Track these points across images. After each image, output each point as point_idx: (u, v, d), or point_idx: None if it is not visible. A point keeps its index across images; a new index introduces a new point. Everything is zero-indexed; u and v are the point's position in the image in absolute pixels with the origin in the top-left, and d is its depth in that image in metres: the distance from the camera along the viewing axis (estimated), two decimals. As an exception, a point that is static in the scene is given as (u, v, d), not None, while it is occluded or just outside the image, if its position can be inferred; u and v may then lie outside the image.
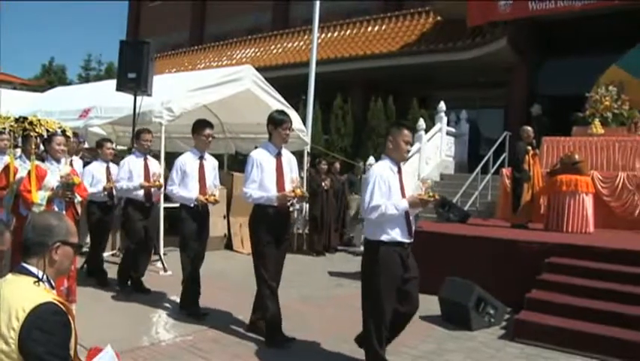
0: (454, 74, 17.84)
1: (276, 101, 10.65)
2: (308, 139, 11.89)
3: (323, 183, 11.49)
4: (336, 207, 12.09)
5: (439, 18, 19.19)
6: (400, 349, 5.28)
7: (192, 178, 6.24)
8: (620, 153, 11.26)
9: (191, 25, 30.84)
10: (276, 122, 5.37)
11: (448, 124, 15.59)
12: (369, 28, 20.98)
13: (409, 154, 5.26)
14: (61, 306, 2.13)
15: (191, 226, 6.16)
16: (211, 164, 6.50)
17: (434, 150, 14.90)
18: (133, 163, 7.26)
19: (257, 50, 24.19)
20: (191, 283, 6.20)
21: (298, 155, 13.28)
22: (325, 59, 18.92)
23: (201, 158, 6.38)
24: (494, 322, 6.45)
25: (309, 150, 12.23)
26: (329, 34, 21.73)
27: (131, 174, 7.16)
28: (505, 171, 11.40)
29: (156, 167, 7.48)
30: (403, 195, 4.43)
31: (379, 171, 4.42)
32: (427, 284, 7.22)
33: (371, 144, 16.00)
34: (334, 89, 17.74)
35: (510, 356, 5.38)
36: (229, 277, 8.50)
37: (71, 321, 2.16)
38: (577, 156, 9.76)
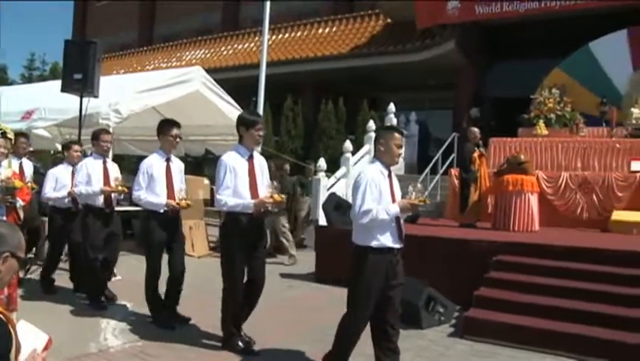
0: (403, 76, 18.05)
1: (225, 103, 10.58)
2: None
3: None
4: (287, 209, 12.05)
5: (389, 20, 19.41)
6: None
7: (160, 182, 5.77)
8: (563, 154, 11.62)
9: (139, 26, 30.38)
10: (248, 123, 5.06)
11: (398, 125, 15.75)
12: (320, 30, 21.06)
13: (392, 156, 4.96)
14: (0, 316, 2.06)
15: (161, 234, 5.69)
16: (177, 166, 6.03)
17: (383, 152, 15.04)
18: (91, 166, 6.70)
19: (207, 52, 24.00)
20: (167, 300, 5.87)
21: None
22: (276, 61, 18.89)
23: (168, 160, 5.91)
24: (444, 320, 6.53)
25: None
26: (279, 36, 21.72)
27: (90, 178, 6.60)
28: (454, 171, 11.60)
29: (116, 170, 6.96)
30: (393, 200, 4.34)
31: (371, 175, 4.28)
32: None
33: (322, 145, 16.06)
34: (285, 91, 17.72)
35: (460, 353, 5.46)
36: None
37: (12, 331, 2.09)
38: (522, 157, 10.00)
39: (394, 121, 15.33)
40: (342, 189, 12.67)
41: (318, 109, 17.35)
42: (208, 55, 23.58)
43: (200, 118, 11.01)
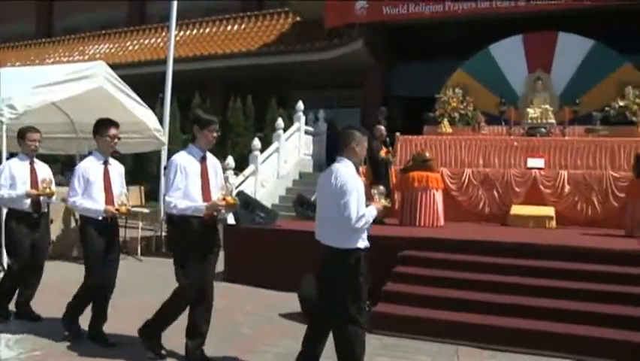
0: (312, 74, 18.16)
1: (130, 100, 10.25)
2: (165, 139, 11.56)
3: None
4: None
5: (298, 18, 19.48)
6: (260, 347, 5.28)
7: (97, 187, 5.32)
8: (466, 151, 12.08)
9: (37, 16, 28.76)
10: (203, 122, 4.81)
11: (307, 123, 15.84)
12: (229, 27, 20.86)
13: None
14: None
15: (99, 242, 5.26)
16: (117, 169, 5.59)
17: (293, 148, 15.07)
18: (16, 167, 6.10)
19: (111, 46, 23.21)
20: (98, 312, 5.37)
21: (156, 155, 12.99)
22: (183, 57, 18.54)
23: (105, 163, 5.47)
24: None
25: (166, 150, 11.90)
26: (187, 32, 21.33)
27: (14, 180, 6.00)
28: (362, 169, 11.78)
29: (45, 172, 6.35)
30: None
31: (356, 178, 4.21)
32: (287, 281, 7.37)
33: (230, 143, 15.87)
34: (193, 88, 17.42)
35: (370, 347, 5.49)
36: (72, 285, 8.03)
37: None
38: (427, 154, 10.32)
39: (303, 119, 15.42)
40: (251, 188, 12.60)
41: (227, 106, 17.15)
42: (113, 50, 22.80)
43: (105, 115, 10.56)
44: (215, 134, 4.87)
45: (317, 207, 4.50)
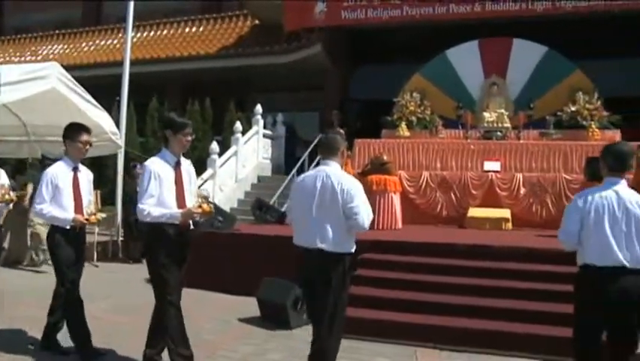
0: (271, 78, 18.13)
1: (85, 102, 10.03)
2: (122, 142, 11.39)
3: (137, 188, 11.08)
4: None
5: (257, 22, 19.43)
6: (219, 352, 5.25)
7: (66, 194, 5.10)
8: (423, 154, 12.20)
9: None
10: (177, 126, 4.63)
11: (265, 127, 15.81)
12: (187, 29, 20.68)
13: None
14: None
15: (67, 251, 5.05)
16: (86, 176, 5.38)
17: (251, 152, 15.03)
18: None
19: (65, 47, 22.72)
20: (74, 321, 5.11)
21: (112, 159, 12.78)
22: (141, 59, 18.28)
23: (75, 169, 5.24)
24: (312, 319, 6.62)
25: (123, 154, 11.73)
26: (145, 34, 21.07)
27: None
28: (311, 172, 11.82)
29: (3, 178, 6.15)
30: None
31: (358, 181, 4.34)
32: (246, 286, 7.34)
33: (188, 146, 15.73)
34: (150, 91, 17.20)
35: (327, 351, 5.56)
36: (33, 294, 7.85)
37: None
38: (385, 157, 10.42)
39: (261, 123, 15.38)
40: (209, 191, 12.50)
41: (185, 110, 16.96)
42: (67, 50, 22.33)
43: (59, 118, 10.30)
44: (189, 139, 4.72)
45: (299, 212, 4.30)
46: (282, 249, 7.86)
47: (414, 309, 6.24)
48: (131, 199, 10.78)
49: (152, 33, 21.08)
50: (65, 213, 5.06)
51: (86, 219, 5.13)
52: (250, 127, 15.25)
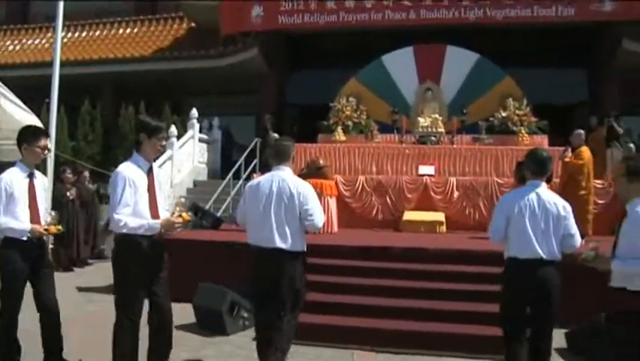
0: (207, 81, 17.93)
1: (11, 103, 9.64)
2: (52, 146, 10.99)
3: (68, 193, 10.76)
4: (85, 218, 11.42)
5: (193, 24, 19.17)
6: None
7: (21, 203, 4.69)
8: (359, 159, 12.33)
9: None
10: (151, 129, 4.35)
11: (201, 131, 15.62)
12: (121, 31, 20.16)
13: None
14: None
15: (22, 266, 4.64)
16: (42, 184, 4.97)
17: (187, 156, 14.81)
18: None
19: (-11, 46, 21.80)
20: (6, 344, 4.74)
21: (42, 164, 12.29)
22: (72, 61, 17.75)
23: (31, 176, 4.82)
24: (248, 324, 6.56)
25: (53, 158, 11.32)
26: (76, 34, 20.41)
27: None
28: (256, 176, 11.76)
29: None
30: None
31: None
32: (182, 292, 7.18)
33: (121, 151, 15.32)
34: (82, 93, 16.72)
35: (265, 356, 5.53)
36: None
37: None
38: (321, 161, 10.46)
39: (197, 127, 15.19)
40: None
41: (118, 113, 16.59)
42: (-10, 49, 21.44)
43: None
44: (163, 143, 4.52)
45: (255, 214, 4.54)
46: (217, 255, 7.82)
47: (350, 312, 6.28)
48: (61, 205, 10.46)
49: (83, 34, 20.45)
50: (22, 223, 4.67)
51: (45, 230, 4.76)
52: (186, 131, 15.03)
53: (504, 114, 13.06)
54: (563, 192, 9.10)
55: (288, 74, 18.09)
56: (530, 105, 13.30)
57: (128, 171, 4.28)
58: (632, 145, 11.06)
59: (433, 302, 6.38)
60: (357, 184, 11.47)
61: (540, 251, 4.25)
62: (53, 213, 4.95)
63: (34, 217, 4.76)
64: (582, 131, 10.67)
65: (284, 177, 4.54)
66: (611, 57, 15.12)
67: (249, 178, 12.71)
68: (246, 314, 6.58)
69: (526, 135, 12.66)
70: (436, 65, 14.24)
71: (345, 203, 11.17)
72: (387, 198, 11.38)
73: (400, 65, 14.33)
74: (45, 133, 5.04)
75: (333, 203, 10.08)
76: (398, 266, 7.05)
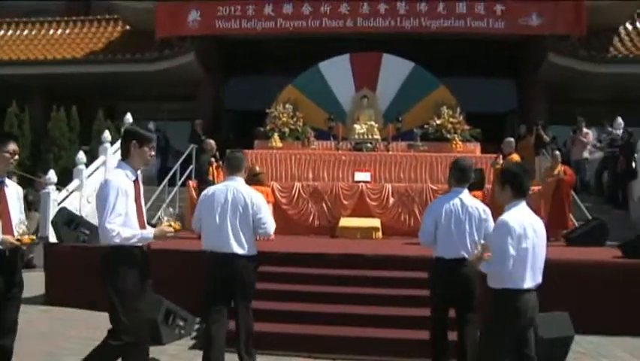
0: (142, 86, 17.62)
1: None
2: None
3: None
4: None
5: (127, 27, 18.77)
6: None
7: None
8: (296, 165, 12.34)
9: None
10: (144, 139, 4.23)
11: (133, 137, 15.30)
12: (51, 31, 19.52)
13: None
14: None
15: None
16: (15, 192, 4.63)
17: (121, 162, 14.49)
18: None
19: None
20: None
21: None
22: (-1, 60, 17.14)
23: (2, 184, 4.51)
24: (184, 333, 6.50)
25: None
26: (2, 33, 19.64)
27: None
28: (192, 183, 11.64)
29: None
30: None
31: None
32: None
33: (52, 156, 14.87)
34: (9, 95, 16.15)
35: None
36: None
37: None
38: (258, 168, 10.43)
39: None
40: (75, 204, 11.88)
41: (49, 116, 16.06)
42: None
43: None
44: (153, 153, 4.35)
45: (210, 221, 4.90)
46: (153, 262, 7.67)
47: (286, 319, 6.28)
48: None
49: (9, 32, 19.65)
50: None
51: (18, 240, 4.38)
52: (120, 136, 14.67)
53: (438, 122, 13.35)
54: (495, 197, 9.43)
55: (225, 80, 18.00)
56: (464, 113, 13.66)
57: (120, 180, 4.14)
58: (557, 152, 11.49)
59: (369, 308, 6.46)
60: (294, 191, 11.48)
61: (463, 252, 4.74)
62: (26, 222, 4.62)
63: (6, 228, 4.41)
64: (512, 140, 11.07)
65: (238, 187, 4.96)
66: (537, 69, 15.77)
67: (184, 185, 12.55)
68: (181, 323, 6.49)
69: (460, 143, 12.98)
70: (372, 73, 14.43)
71: (281, 210, 11.16)
72: (324, 205, 11.42)
73: (337, 72, 14.45)
74: (13, 137, 4.72)
75: (269, 210, 10.04)
76: (334, 273, 7.11)
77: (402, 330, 6.05)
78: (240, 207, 4.85)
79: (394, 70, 14.34)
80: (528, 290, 3.76)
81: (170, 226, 4.26)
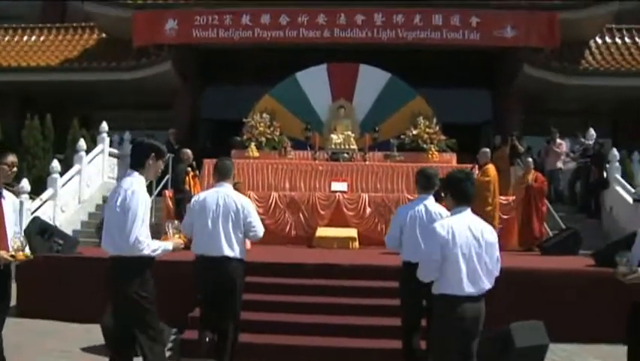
0: (118, 94, 17.50)
1: None
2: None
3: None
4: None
5: (103, 35, 18.63)
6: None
7: None
8: (272, 175, 12.35)
9: None
10: (162, 153, 4.32)
11: (111, 145, 15.16)
12: (25, 38, 19.26)
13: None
14: None
15: None
16: (11, 204, 4.47)
17: (96, 171, 14.31)
18: None
19: None
20: None
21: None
22: (-31, 67, 16.88)
23: None
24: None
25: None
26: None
27: None
28: (168, 192, 11.58)
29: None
30: None
31: None
32: (89, 312, 6.95)
33: (26, 165, 14.64)
34: (-19, 102, 15.92)
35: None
36: None
37: None
38: (235, 178, 10.36)
39: (107, 141, 14.75)
40: (49, 213, 11.74)
41: (22, 124, 15.84)
42: None
43: None
44: (162, 166, 4.44)
45: (201, 225, 5.10)
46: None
47: (263, 329, 6.27)
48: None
49: (-20, 38, 19.39)
50: None
51: (12, 256, 4.17)
52: (95, 145, 14.54)
53: (415, 132, 13.46)
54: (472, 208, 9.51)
55: (202, 89, 17.96)
56: (440, 124, 13.80)
57: (145, 191, 4.18)
58: (530, 159, 11.65)
59: (346, 318, 6.47)
60: (271, 200, 11.48)
61: None
62: (22, 237, 4.44)
63: (1, 242, 4.23)
64: (488, 150, 11.20)
65: (227, 193, 5.20)
66: (512, 80, 15.99)
67: (160, 194, 12.46)
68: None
69: (436, 153, 13.11)
70: (349, 83, 14.53)
71: (258, 220, 11.13)
72: (301, 215, 11.44)
73: (314, 82, 14.52)
74: (10, 148, 4.60)
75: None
76: (311, 282, 7.11)
77: (378, 340, 6.07)
78: (232, 212, 5.07)
79: (371, 80, 14.45)
80: (468, 297, 3.75)
81: (180, 238, 4.38)
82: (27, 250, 4.38)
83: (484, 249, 3.83)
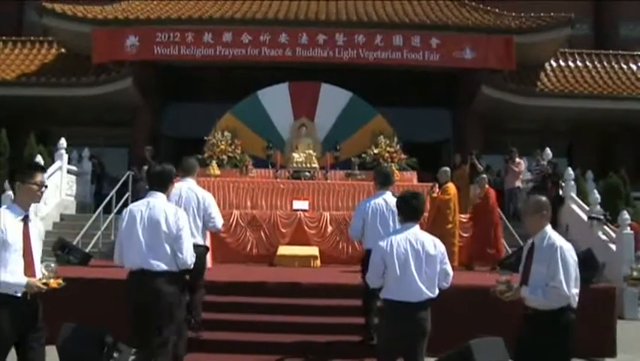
0: (77, 110, 17.24)
1: None
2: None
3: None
4: None
5: (62, 50, 18.36)
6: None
7: (14, 251, 3.84)
8: (234, 193, 12.28)
9: None
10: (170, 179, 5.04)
11: (70, 162, 14.88)
12: (-21, 51, 18.89)
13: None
14: None
15: (8, 330, 3.79)
16: (37, 229, 4.16)
17: (54, 189, 13.98)
18: None
19: None
20: None
21: None
22: None
23: (26, 219, 3.98)
24: (118, 361, 6.30)
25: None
26: None
27: None
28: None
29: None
30: None
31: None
32: (50, 334, 6.76)
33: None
34: None
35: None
36: None
37: None
38: (196, 196, 10.27)
39: (65, 157, 14.47)
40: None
41: (-24, 140, 15.47)
42: None
43: None
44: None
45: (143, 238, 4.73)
46: (86, 292, 7.45)
47: (225, 349, 6.21)
48: None
49: None
50: (16, 276, 3.82)
51: (44, 284, 3.91)
52: (53, 162, 14.25)
53: (376, 151, 13.59)
54: (432, 225, 9.59)
55: (163, 106, 17.84)
56: (400, 143, 13.95)
57: None
58: (484, 176, 11.79)
59: (307, 336, 6.45)
60: (232, 219, 11.38)
61: None
62: (53, 264, 4.18)
63: (29, 269, 3.93)
64: (448, 169, 11.32)
65: (190, 186, 5.86)
66: (471, 100, 16.32)
67: (120, 212, 12.24)
68: (116, 355, 6.29)
69: (397, 172, 13.18)
70: (311, 102, 14.61)
71: (219, 238, 11.00)
72: (262, 233, 11.37)
73: (275, 100, 14.55)
74: (41, 168, 4.27)
75: (207, 238, 9.93)
76: (272, 301, 7.08)
77: (341, 360, 6.06)
78: (193, 204, 5.69)
79: (332, 99, 14.56)
80: (407, 303, 4.19)
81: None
82: (59, 279, 4.11)
83: (424, 261, 4.26)
